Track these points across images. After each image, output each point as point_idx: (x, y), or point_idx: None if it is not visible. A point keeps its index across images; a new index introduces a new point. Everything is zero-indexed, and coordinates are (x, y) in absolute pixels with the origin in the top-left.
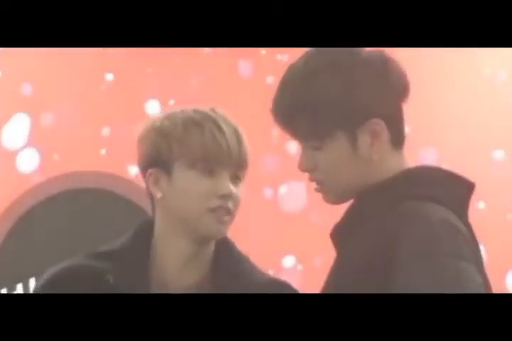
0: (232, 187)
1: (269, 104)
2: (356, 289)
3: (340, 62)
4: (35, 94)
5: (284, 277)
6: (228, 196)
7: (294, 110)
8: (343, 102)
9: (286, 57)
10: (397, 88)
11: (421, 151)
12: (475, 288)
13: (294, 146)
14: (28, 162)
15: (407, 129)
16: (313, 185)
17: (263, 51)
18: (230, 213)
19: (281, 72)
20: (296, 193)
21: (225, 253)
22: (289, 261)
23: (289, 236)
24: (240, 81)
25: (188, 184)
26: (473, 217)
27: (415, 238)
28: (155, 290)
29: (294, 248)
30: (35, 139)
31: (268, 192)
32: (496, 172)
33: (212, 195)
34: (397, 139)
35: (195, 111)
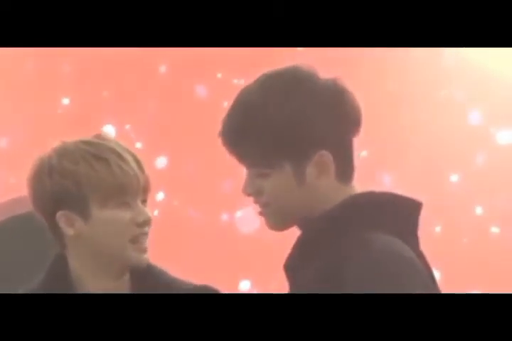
0: (148, 212)
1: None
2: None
3: (295, 90)
4: None
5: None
6: (148, 222)
7: (243, 136)
8: (292, 132)
9: (243, 81)
10: (350, 121)
11: (377, 175)
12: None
13: None
14: None
15: (364, 153)
16: (257, 208)
17: (219, 75)
18: (147, 237)
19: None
20: (253, 216)
21: (141, 276)
22: (244, 285)
23: (246, 260)
24: (197, 104)
25: (106, 221)
26: (430, 241)
27: (359, 269)
28: None
29: (249, 272)
30: None
31: (225, 216)
32: (451, 197)
33: (132, 224)
34: (345, 173)
35: (87, 143)
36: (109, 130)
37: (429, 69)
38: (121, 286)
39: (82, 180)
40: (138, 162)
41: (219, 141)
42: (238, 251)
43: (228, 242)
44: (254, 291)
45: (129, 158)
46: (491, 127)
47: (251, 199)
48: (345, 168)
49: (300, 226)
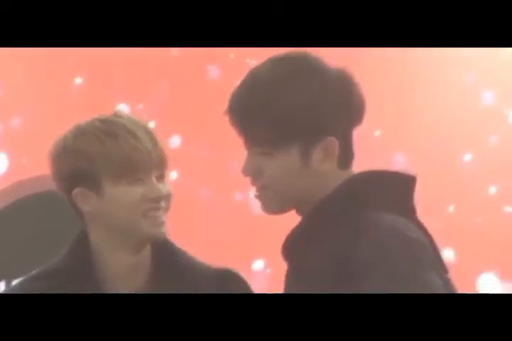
0: (161, 189)
1: None
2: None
3: (307, 74)
4: (3, 97)
5: (253, 280)
6: (160, 198)
7: (253, 113)
8: (303, 115)
9: (255, 61)
10: (356, 111)
11: (391, 156)
12: (434, 290)
13: None
14: None
15: (377, 133)
16: (254, 191)
17: (232, 55)
18: (166, 211)
19: None
20: None
21: (163, 252)
22: (258, 265)
23: (259, 240)
24: (209, 84)
25: (119, 197)
26: (443, 220)
27: (368, 253)
28: None
29: (263, 252)
30: (3, 143)
31: (238, 196)
32: (465, 176)
33: (145, 200)
34: (346, 160)
35: (101, 120)
36: (124, 109)
37: (439, 52)
38: (142, 262)
39: (93, 157)
40: (152, 138)
41: (228, 120)
42: (251, 231)
43: (241, 222)
44: (268, 271)
45: (142, 135)
46: (504, 107)
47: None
48: (347, 155)
49: (300, 211)
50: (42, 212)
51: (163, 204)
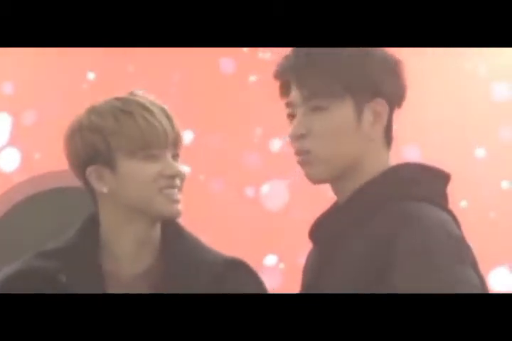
0: (177, 166)
1: (252, 102)
2: (349, 288)
3: (364, 50)
4: (16, 93)
5: (265, 275)
6: (176, 175)
7: (310, 65)
8: (360, 71)
9: (269, 55)
10: (399, 90)
11: (404, 149)
12: (472, 290)
13: (277, 144)
14: (9, 161)
15: None
16: (298, 160)
17: (245, 49)
18: (180, 190)
19: (263, 70)
20: (279, 192)
21: (173, 234)
22: (271, 260)
23: (272, 235)
24: (222, 79)
25: (134, 173)
26: (456, 215)
27: (412, 241)
28: (109, 281)
29: (276, 247)
30: (16, 138)
31: (250, 191)
32: (477, 171)
33: (160, 177)
34: (389, 136)
35: (118, 99)
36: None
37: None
38: (151, 242)
39: (108, 133)
40: (169, 117)
41: (244, 115)
42: (263, 226)
43: (253, 216)
44: (281, 266)
45: (158, 112)
46: None
47: (275, 174)
48: (389, 132)
49: (336, 188)
50: (54, 207)
51: (178, 182)
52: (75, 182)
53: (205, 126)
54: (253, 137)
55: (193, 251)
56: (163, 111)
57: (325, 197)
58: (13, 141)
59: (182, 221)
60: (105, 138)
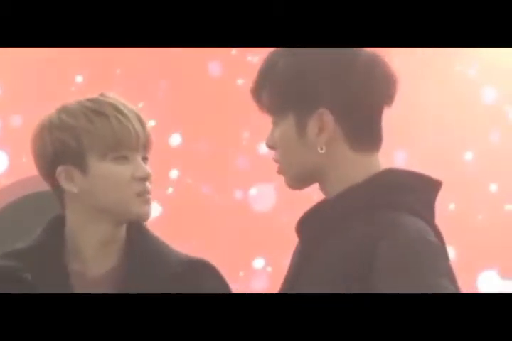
0: (147, 168)
1: (240, 105)
2: (326, 288)
3: (315, 54)
4: (3, 96)
5: (253, 278)
6: (147, 178)
7: (261, 84)
8: (296, 86)
9: (257, 58)
10: (349, 93)
11: (391, 154)
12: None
13: (264, 147)
14: None
15: None
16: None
17: (233, 51)
18: (149, 193)
19: (252, 73)
20: (267, 194)
21: (138, 235)
22: (258, 263)
23: (260, 238)
24: (210, 82)
25: (107, 175)
26: (444, 218)
27: (395, 253)
28: (74, 281)
29: (263, 250)
30: (3, 141)
31: (239, 194)
32: (465, 174)
33: (133, 180)
34: (359, 142)
35: (89, 100)
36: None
37: (440, 49)
38: (116, 243)
39: (80, 133)
40: (140, 120)
41: (232, 118)
42: (252, 229)
43: (242, 220)
44: (268, 269)
45: (130, 115)
46: (505, 105)
47: (263, 176)
48: (357, 136)
49: (322, 189)
50: (42, 211)
51: (148, 184)
52: None
53: (193, 129)
54: (241, 140)
55: (157, 251)
56: (135, 113)
57: (312, 200)
58: (0, 144)
59: (171, 224)
60: (77, 138)
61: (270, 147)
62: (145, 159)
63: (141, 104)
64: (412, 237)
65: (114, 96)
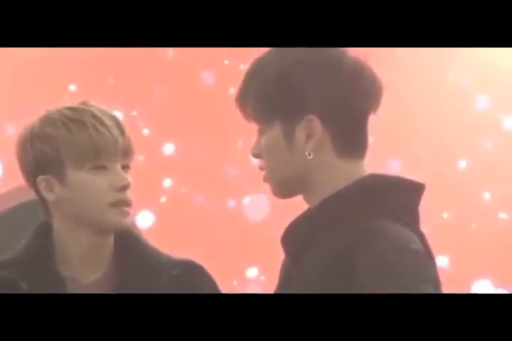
0: (126, 177)
1: (233, 113)
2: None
3: (302, 59)
4: None
5: (247, 287)
6: (126, 187)
7: (245, 92)
8: (281, 94)
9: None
10: (359, 96)
11: (385, 162)
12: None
13: None
14: None
15: (371, 139)
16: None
17: (226, 61)
18: (129, 203)
19: None
20: (260, 204)
21: (126, 239)
22: (252, 272)
23: (253, 247)
24: (204, 91)
25: (84, 184)
26: (438, 227)
27: (375, 261)
28: (69, 287)
29: (257, 259)
30: None
31: (232, 203)
32: (459, 183)
33: (111, 190)
34: (345, 148)
35: (69, 108)
36: (118, 115)
37: (437, 55)
38: (104, 249)
39: (58, 143)
40: (120, 127)
41: (226, 127)
42: (245, 238)
43: (235, 229)
44: (262, 278)
45: (109, 122)
46: (498, 113)
47: (257, 186)
48: (345, 143)
49: (306, 199)
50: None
51: (127, 194)
52: None
53: (186, 138)
54: (235, 149)
55: (147, 254)
56: (116, 121)
57: (304, 210)
58: None
59: (164, 233)
60: (56, 148)
61: (256, 155)
62: (126, 167)
63: (135, 113)
64: (392, 245)
65: (95, 104)
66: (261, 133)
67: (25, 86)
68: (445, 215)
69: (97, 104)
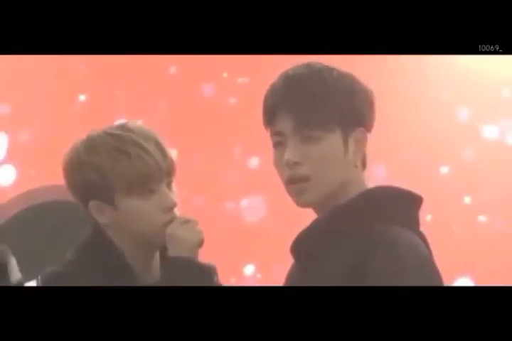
0: (172, 197)
1: (232, 122)
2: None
3: (345, 75)
4: (12, 113)
5: (244, 284)
6: (174, 207)
7: (301, 95)
8: (349, 106)
9: (247, 80)
10: (373, 118)
11: (371, 168)
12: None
13: (254, 162)
14: (6, 177)
15: None
16: (292, 187)
17: (225, 74)
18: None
19: (242, 93)
20: (256, 206)
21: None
22: (249, 270)
23: (250, 246)
24: (204, 102)
25: (134, 209)
26: (421, 228)
27: (383, 264)
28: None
29: (253, 257)
30: (12, 156)
31: (229, 205)
32: (442, 187)
33: (160, 212)
34: (364, 160)
35: (111, 135)
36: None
37: (417, 70)
38: (155, 257)
39: (107, 173)
40: (162, 149)
41: (224, 135)
42: (242, 238)
43: (232, 229)
44: (258, 276)
45: (152, 148)
46: (477, 123)
47: (254, 189)
48: (365, 156)
49: (317, 210)
50: (51, 220)
51: (175, 212)
52: (67, 195)
53: (188, 145)
54: (233, 155)
55: (181, 260)
56: (157, 142)
57: (299, 211)
58: (9, 158)
59: None
60: (104, 177)
61: (296, 163)
62: (170, 183)
63: (140, 121)
64: (403, 248)
65: (133, 126)
66: (311, 140)
67: (39, 96)
68: (428, 217)
69: (134, 125)
